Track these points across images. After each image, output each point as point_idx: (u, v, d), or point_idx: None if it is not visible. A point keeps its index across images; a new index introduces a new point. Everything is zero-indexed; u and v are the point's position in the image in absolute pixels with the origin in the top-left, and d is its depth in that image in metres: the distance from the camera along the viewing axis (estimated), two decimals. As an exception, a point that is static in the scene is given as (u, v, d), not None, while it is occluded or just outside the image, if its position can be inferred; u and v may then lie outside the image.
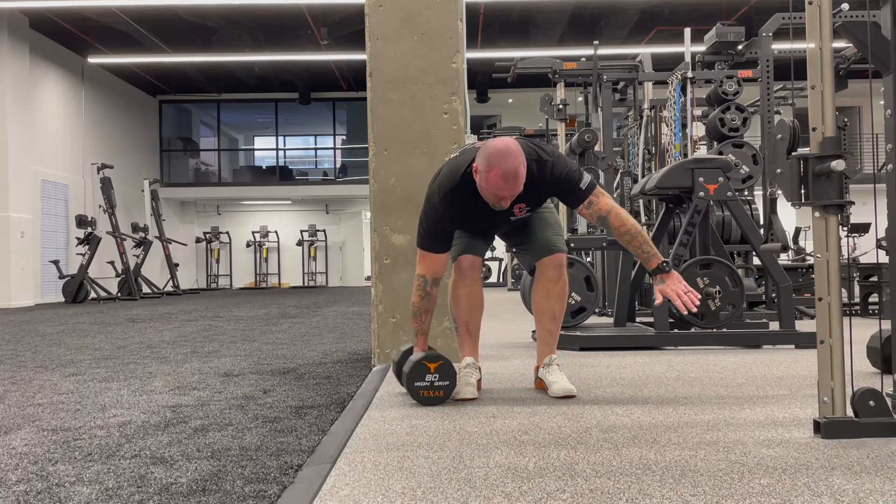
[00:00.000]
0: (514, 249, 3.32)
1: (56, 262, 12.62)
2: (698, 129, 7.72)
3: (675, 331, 4.54)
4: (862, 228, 9.17)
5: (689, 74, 7.11)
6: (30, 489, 1.82)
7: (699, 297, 2.74)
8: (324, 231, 20.80)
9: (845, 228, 2.24)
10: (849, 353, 2.18)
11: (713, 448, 2.04)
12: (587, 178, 2.80)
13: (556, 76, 8.22)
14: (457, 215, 2.82)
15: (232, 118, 22.03)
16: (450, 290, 3.04)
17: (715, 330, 4.50)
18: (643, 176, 7.62)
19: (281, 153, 21.63)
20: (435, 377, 2.76)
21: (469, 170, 2.75)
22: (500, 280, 18.06)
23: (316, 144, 22.97)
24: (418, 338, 2.94)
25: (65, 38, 14.41)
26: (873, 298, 6.75)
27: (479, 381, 2.99)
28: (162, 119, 20.17)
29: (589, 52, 8.23)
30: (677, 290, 2.71)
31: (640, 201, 7.73)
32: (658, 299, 2.77)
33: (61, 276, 12.41)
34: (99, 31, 13.98)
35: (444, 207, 2.78)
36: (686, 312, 2.69)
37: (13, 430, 2.50)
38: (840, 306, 2.16)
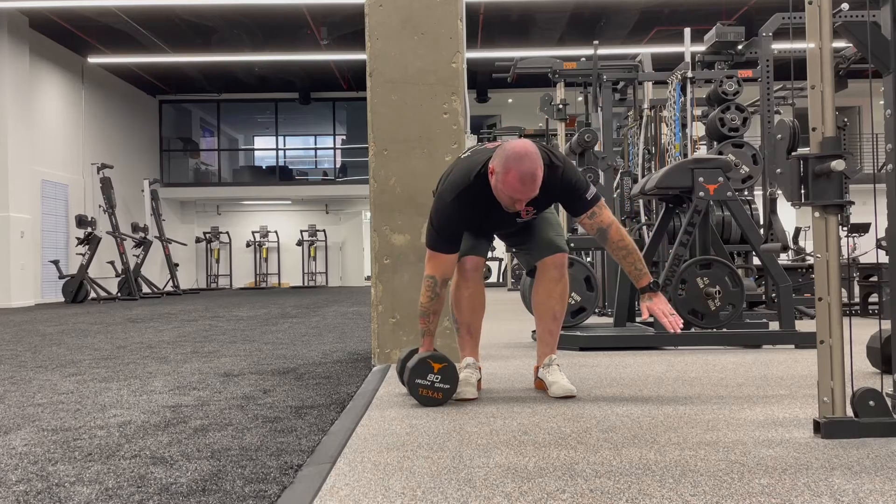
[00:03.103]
0: (513, 249, 3.33)
1: (56, 262, 12.61)
2: (698, 129, 7.71)
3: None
4: (862, 228, 9.17)
5: (689, 74, 7.11)
6: (30, 489, 1.82)
7: (682, 321, 2.80)
8: (324, 231, 20.80)
9: (845, 228, 2.24)
10: (849, 353, 2.18)
11: (713, 448, 2.04)
12: (593, 189, 2.85)
13: (556, 76, 8.21)
14: (467, 215, 2.81)
15: (232, 118, 22.03)
16: (451, 290, 3.03)
17: (715, 330, 4.50)
18: (643, 176, 7.62)
19: (281, 153, 21.63)
20: (437, 378, 2.74)
21: (483, 170, 2.74)
22: (500, 280, 18.04)
23: (316, 144, 22.97)
24: (425, 338, 2.92)
25: (65, 38, 14.41)
26: (873, 298, 6.75)
27: (479, 381, 2.99)
28: (162, 119, 20.18)
29: (589, 52, 8.22)
30: (664, 310, 2.78)
31: (640, 201, 7.73)
32: (644, 314, 2.84)
33: (61, 276, 12.41)
34: (99, 31, 13.98)
35: (456, 206, 2.77)
36: (671, 332, 2.74)
37: (13, 430, 2.50)
38: (840, 306, 2.16)
